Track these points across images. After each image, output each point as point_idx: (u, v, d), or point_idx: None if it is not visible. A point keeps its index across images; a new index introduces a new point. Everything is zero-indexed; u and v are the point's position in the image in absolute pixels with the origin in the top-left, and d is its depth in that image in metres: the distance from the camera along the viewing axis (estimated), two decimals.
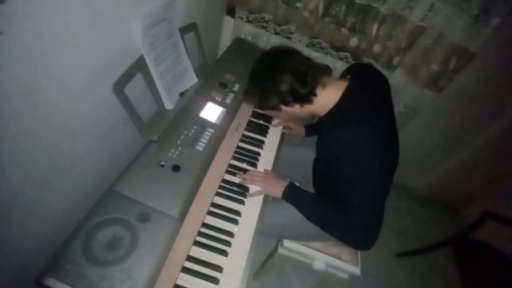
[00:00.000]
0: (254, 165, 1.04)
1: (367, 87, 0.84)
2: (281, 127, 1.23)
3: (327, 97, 0.82)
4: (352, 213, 0.77)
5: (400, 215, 2.00)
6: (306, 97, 0.81)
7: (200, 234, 0.82)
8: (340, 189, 0.79)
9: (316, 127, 1.27)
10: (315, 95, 0.81)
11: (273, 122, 1.22)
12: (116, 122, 0.87)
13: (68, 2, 0.56)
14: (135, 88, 0.84)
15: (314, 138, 1.84)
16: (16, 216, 0.66)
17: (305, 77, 0.79)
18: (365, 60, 1.49)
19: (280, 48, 0.88)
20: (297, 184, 1.30)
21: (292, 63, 0.80)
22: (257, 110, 0.96)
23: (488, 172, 1.85)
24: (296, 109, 0.85)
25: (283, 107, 0.84)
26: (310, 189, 1.13)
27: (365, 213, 0.76)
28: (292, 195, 0.94)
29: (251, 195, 0.94)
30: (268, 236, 1.11)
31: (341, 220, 0.81)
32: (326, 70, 0.84)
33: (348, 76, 0.88)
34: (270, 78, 0.80)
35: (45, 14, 0.52)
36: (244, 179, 0.97)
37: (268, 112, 0.91)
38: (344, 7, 1.35)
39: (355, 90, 0.82)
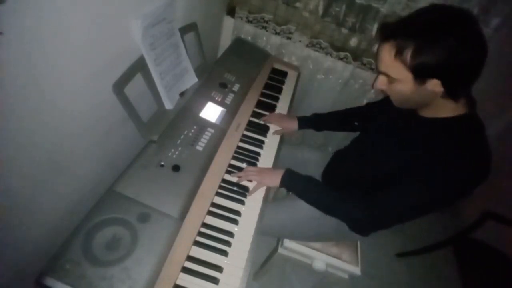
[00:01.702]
0: (254, 165, 1.04)
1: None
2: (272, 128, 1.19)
3: (455, 104, 0.70)
4: (383, 205, 0.76)
5: None
6: (461, 92, 0.67)
7: (200, 234, 0.81)
8: (391, 185, 0.75)
9: (310, 119, 1.22)
10: (466, 93, 0.69)
11: (264, 118, 1.19)
12: (116, 122, 0.87)
13: (68, 2, 0.56)
14: (135, 88, 0.84)
15: (313, 139, 1.87)
16: (15, 216, 0.66)
17: (480, 70, 0.63)
18: (365, 60, 1.49)
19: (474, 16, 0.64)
20: None
21: (484, 42, 0.61)
22: (379, 69, 0.70)
23: None
24: (433, 94, 0.67)
25: (429, 84, 0.65)
26: None
27: (396, 211, 0.75)
28: (290, 179, 0.92)
29: (251, 193, 0.94)
30: (268, 236, 1.11)
31: (349, 205, 0.82)
32: None
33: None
34: (459, 42, 0.59)
35: (45, 14, 0.52)
36: (239, 176, 0.96)
37: (396, 74, 0.67)
38: (344, 7, 1.35)
39: (477, 115, 0.72)
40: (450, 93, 0.66)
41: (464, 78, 0.64)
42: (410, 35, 0.62)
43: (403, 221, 0.78)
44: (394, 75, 0.68)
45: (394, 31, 0.65)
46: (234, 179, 0.97)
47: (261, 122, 1.19)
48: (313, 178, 0.94)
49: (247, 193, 0.95)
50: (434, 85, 0.65)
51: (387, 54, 0.66)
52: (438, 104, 0.70)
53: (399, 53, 0.64)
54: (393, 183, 0.75)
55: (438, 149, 0.69)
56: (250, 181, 0.96)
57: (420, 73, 0.64)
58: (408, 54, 0.62)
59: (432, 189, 0.69)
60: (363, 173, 0.91)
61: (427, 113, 0.74)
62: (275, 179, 0.93)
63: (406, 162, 0.73)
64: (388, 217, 0.78)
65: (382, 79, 0.72)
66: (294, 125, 1.21)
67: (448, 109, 0.71)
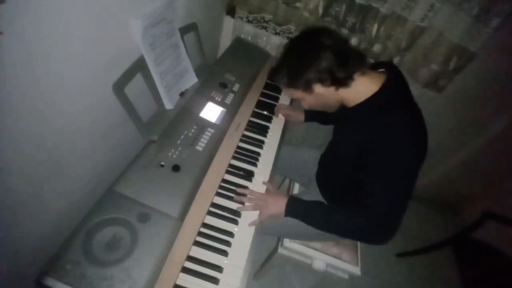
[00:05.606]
0: (254, 165, 1.04)
1: (404, 85, 0.83)
2: (280, 115, 1.26)
3: (364, 86, 0.80)
4: (373, 204, 0.75)
5: None
6: (344, 80, 0.79)
7: (200, 234, 0.82)
8: (364, 181, 0.78)
9: (316, 113, 1.26)
10: (352, 79, 0.79)
11: (275, 109, 1.26)
12: (116, 122, 0.87)
13: (68, 2, 0.56)
14: (135, 88, 0.84)
15: (313, 139, 1.86)
16: (16, 216, 0.66)
17: (347, 59, 0.78)
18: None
19: (320, 27, 0.87)
20: (297, 188, 1.30)
21: (335, 42, 0.79)
22: (285, 91, 0.90)
23: (488, 172, 1.85)
24: (328, 93, 0.82)
25: (316, 88, 0.81)
26: (313, 188, 1.13)
27: (387, 201, 0.75)
28: (295, 209, 0.90)
29: (243, 209, 0.91)
30: (268, 235, 1.11)
31: (358, 219, 0.79)
32: (364, 59, 0.83)
33: (381, 70, 0.86)
34: (310, 54, 0.78)
35: (45, 14, 0.52)
36: (242, 201, 0.92)
37: (296, 95, 0.87)
38: (344, 7, 1.35)
39: (396, 85, 0.81)
40: (336, 85, 0.80)
41: (332, 73, 0.78)
42: (279, 70, 0.84)
43: (402, 202, 0.76)
44: (296, 97, 0.88)
45: (272, 73, 0.89)
46: (234, 179, 0.97)
47: (261, 122, 1.19)
48: (317, 202, 0.92)
49: (240, 208, 0.91)
50: (319, 88, 0.81)
51: (282, 87, 0.88)
52: (344, 95, 0.83)
53: (283, 84, 0.86)
54: (363, 169, 0.79)
55: (375, 124, 0.77)
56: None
57: (303, 87, 0.82)
58: (286, 82, 0.84)
59: (396, 156, 0.74)
60: (338, 166, 0.98)
61: (349, 104, 0.86)
62: (280, 209, 0.90)
63: (362, 146, 0.81)
64: (385, 208, 0.75)
65: (300, 101, 0.91)
66: (301, 116, 1.27)
67: (358, 93, 0.82)
